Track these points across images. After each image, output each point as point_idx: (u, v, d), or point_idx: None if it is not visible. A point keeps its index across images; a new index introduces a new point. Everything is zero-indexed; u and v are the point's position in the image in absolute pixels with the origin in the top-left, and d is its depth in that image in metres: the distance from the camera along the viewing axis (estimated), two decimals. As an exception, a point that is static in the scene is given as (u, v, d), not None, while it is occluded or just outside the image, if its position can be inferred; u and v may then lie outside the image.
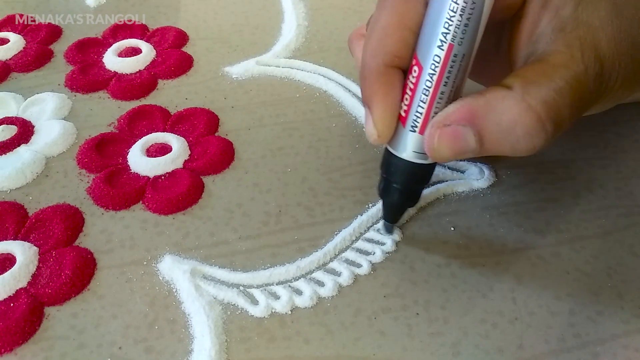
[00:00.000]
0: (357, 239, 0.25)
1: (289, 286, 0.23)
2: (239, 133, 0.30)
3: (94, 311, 0.23)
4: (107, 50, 0.35)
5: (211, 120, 0.30)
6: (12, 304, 0.23)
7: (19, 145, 0.29)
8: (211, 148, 0.29)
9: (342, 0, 0.40)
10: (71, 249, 0.25)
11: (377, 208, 0.26)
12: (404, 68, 0.21)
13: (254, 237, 0.25)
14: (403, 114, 0.21)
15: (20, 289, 0.23)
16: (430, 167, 0.22)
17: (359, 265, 0.24)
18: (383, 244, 0.25)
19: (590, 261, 0.24)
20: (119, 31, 0.37)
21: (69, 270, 0.23)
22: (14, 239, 0.25)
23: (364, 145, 0.29)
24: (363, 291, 0.23)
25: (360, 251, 0.24)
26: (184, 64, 0.34)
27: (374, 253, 0.24)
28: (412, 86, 0.21)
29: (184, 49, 0.36)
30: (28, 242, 0.25)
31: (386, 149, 0.22)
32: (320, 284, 0.23)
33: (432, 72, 0.20)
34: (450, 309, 0.23)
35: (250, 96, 0.32)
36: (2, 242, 0.25)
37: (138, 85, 0.33)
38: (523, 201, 0.26)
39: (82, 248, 0.25)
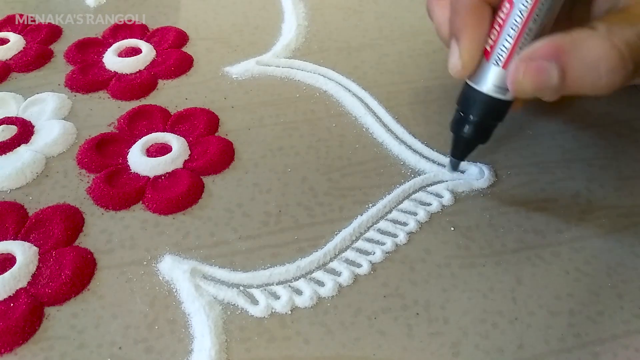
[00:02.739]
0: (357, 239, 0.25)
1: (289, 286, 0.23)
2: (239, 133, 0.30)
3: (94, 311, 0.23)
4: (107, 50, 0.35)
5: (211, 120, 0.30)
6: (12, 304, 0.23)
7: (19, 145, 0.29)
8: (211, 148, 0.29)
9: (342, 0, 0.40)
10: (71, 249, 0.25)
11: (377, 208, 0.26)
12: (494, 5, 0.23)
13: (254, 237, 0.25)
14: (488, 49, 0.23)
15: (20, 289, 0.23)
16: (507, 104, 0.23)
17: (359, 265, 0.24)
18: (383, 244, 0.25)
19: (590, 261, 0.24)
20: (119, 31, 0.37)
21: (69, 270, 0.23)
22: (14, 239, 0.25)
23: (364, 145, 0.29)
24: (363, 291, 0.23)
25: (360, 251, 0.24)
26: (184, 64, 0.34)
27: (374, 253, 0.24)
28: (500, 21, 0.22)
29: (184, 49, 0.36)
30: (28, 242, 0.25)
31: (465, 83, 0.24)
32: (320, 284, 0.23)
33: (524, 7, 0.21)
34: (450, 309, 0.23)
35: (250, 96, 0.32)
36: (2, 242, 0.25)
37: (138, 85, 0.33)
38: (523, 201, 0.26)
39: (82, 248, 0.25)
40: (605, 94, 0.21)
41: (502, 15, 0.22)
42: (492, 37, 0.22)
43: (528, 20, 0.22)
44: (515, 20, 0.22)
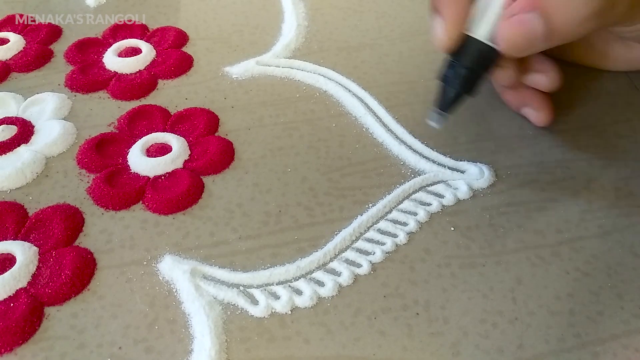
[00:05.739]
0: (357, 239, 0.25)
1: (289, 286, 0.23)
2: (239, 133, 0.30)
3: (94, 311, 0.23)
4: (107, 50, 0.35)
5: (211, 120, 0.30)
6: (12, 304, 0.23)
7: (19, 145, 0.29)
8: (211, 148, 0.29)
9: (342, 0, 0.40)
10: (71, 249, 0.25)
11: (377, 208, 0.26)
12: None
13: (254, 237, 0.25)
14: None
15: (20, 289, 0.23)
16: (497, 54, 0.24)
17: (359, 265, 0.24)
18: (383, 244, 0.25)
19: (590, 261, 0.24)
20: (119, 31, 0.37)
21: (69, 270, 0.23)
22: (14, 239, 0.25)
23: (364, 145, 0.29)
24: (363, 291, 0.23)
25: (360, 251, 0.24)
26: (184, 64, 0.34)
27: (374, 253, 0.24)
28: None
29: (184, 49, 0.36)
30: (28, 242, 0.25)
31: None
32: (320, 284, 0.23)
33: None
34: (450, 309, 0.23)
35: (250, 96, 0.32)
36: (2, 242, 0.25)
37: (138, 85, 0.33)
38: (523, 201, 0.26)
39: (82, 248, 0.25)
40: (595, 29, 0.22)
41: None
42: None
43: None
44: None
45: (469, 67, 0.24)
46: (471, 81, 0.24)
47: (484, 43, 0.24)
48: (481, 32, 0.24)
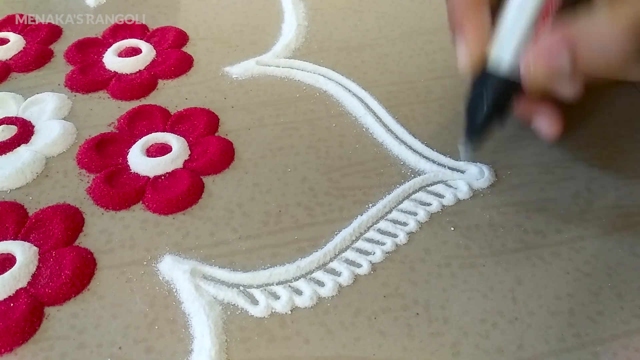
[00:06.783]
0: (357, 239, 0.25)
1: (289, 286, 0.23)
2: (239, 133, 0.30)
3: (94, 311, 0.23)
4: (107, 50, 0.35)
5: (211, 120, 0.30)
6: (12, 304, 0.23)
7: (19, 145, 0.29)
8: (211, 148, 0.29)
9: (342, 0, 0.40)
10: (71, 249, 0.25)
11: (377, 208, 0.26)
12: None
13: (254, 237, 0.25)
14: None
15: (20, 289, 0.23)
16: (520, 87, 0.23)
17: (359, 265, 0.24)
18: (383, 244, 0.25)
19: (590, 261, 0.24)
20: (119, 31, 0.37)
21: (69, 270, 0.23)
22: (14, 239, 0.25)
23: (364, 145, 0.29)
24: (363, 291, 0.23)
25: (360, 251, 0.24)
26: (184, 64, 0.34)
27: (374, 253, 0.24)
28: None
29: (184, 49, 0.36)
30: (28, 242, 0.25)
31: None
32: (320, 284, 0.23)
33: None
34: (450, 309, 0.23)
35: (250, 96, 0.32)
36: (2, 242, 0.25)
37: (138, 85, 0.33)
38: (523, 201, 0.26)
39: (82, 248, 0.25)
40: (621, 72, 0.22)
41: None
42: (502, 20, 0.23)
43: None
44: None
45: (493, 98, 0.23)
46: (498, 110, 0.24)
47: (506, 79, 0.23)
48: (505, 57, 0.23)
